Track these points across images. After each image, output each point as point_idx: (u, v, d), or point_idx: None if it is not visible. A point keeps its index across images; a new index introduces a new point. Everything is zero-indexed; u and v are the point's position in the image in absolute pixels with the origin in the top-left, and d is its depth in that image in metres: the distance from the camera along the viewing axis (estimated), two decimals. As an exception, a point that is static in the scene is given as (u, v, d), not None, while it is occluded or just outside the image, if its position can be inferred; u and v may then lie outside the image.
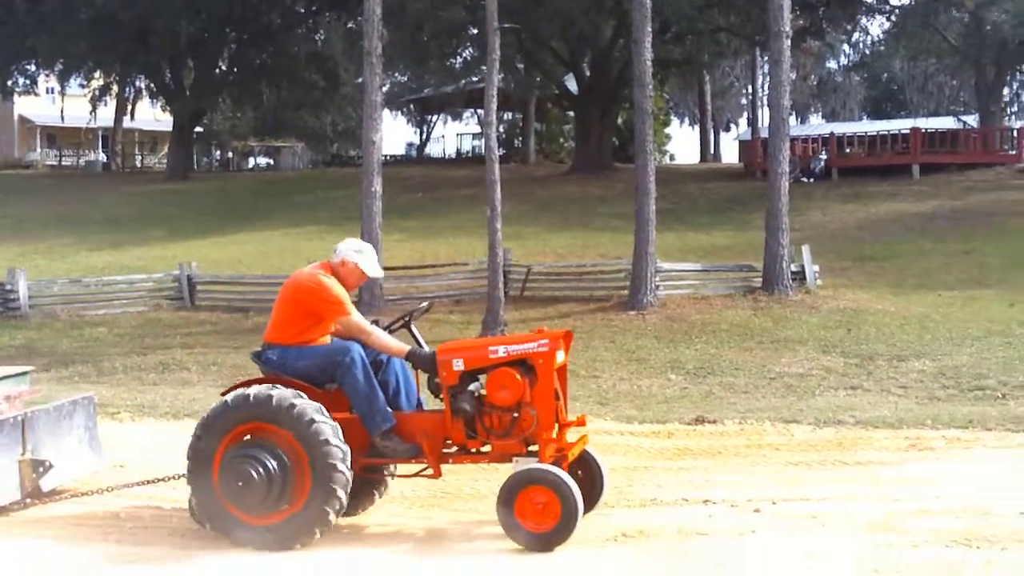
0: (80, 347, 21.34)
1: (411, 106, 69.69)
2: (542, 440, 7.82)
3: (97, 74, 56.36)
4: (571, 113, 53.83)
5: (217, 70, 55.02)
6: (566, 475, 7.60)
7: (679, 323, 20.90)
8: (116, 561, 7.68)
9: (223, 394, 8.12)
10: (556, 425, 7.94)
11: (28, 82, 57.00)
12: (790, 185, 23.94)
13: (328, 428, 7.72)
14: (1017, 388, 14.72)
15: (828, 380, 16.22)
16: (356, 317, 8.19)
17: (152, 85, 57.31)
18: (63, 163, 68.26)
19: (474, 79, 50.25)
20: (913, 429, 12.03)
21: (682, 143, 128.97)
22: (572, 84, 48.84)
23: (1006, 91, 65.65)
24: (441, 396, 8.10)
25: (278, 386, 7.90)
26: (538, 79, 49.20)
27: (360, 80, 30.15)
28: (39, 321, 23.58)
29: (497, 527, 7.80)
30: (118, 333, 22.55)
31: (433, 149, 68.27)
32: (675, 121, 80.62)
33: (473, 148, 62.73)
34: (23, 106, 66.05)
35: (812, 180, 40.28)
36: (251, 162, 75.60)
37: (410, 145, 73.55)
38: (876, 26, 78.39)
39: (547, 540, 7.53)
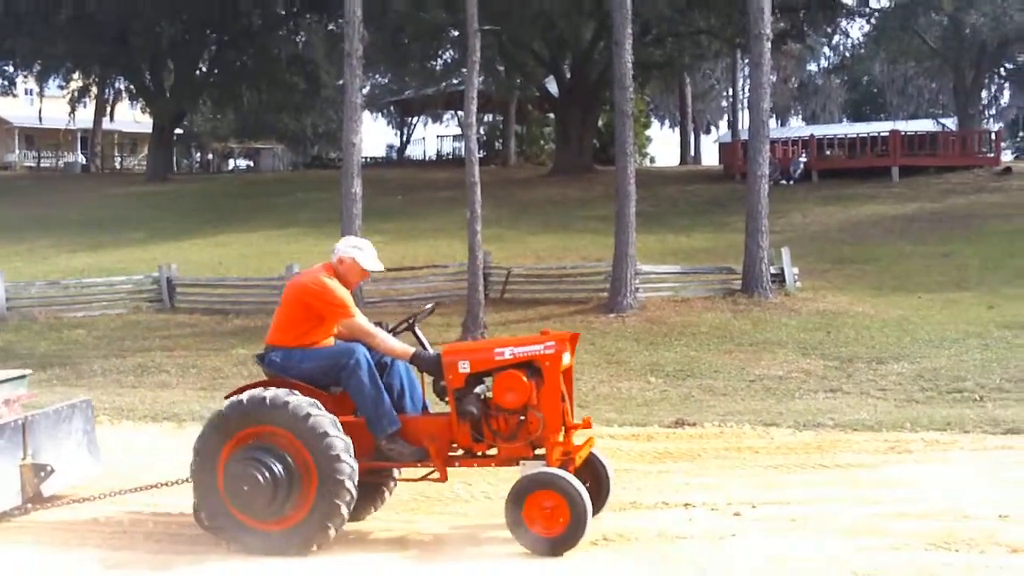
0: (58, 350, 21.26)
1: (391, 108, 69.62)
2: (549, 443, 7.79)
3: (76, 75, 56.19)
4: (552, 115, 53.80)
5: (197, 72, 54.90)
6: (574, 479, 7.56)
7: (659, 325, 20.91)
8: (117, 567, 7.63)
9: (227, 397, 8.07)
10: (563, 428, 7.91)
11: (6, 83, 56.87)
12: (770, 187, 23.97)
13: (326, 421, 7.66)
14: (994, 390, 14.81)
15: (808, 383, 16.26)
16: (360, 319, 8.15)
17: (132, 86, 57.15)
18: (42, 165, 67.98)
19: (454, 81, 50.27)
20: (892, 432, 12.09)
21: (663, 145, 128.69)
22: (553, 86, 48.87)
23: (984, 94, 65.85)
24: (447, 399, 8.05)
25: (281, 389, 7.84)
26: (519, 81, 49.22)
27: (340, 82, 30.10)
28: (16, 323, 23.48)
29: (494, 531, 7.82)
30: (97, 335, 22.45)
31: (413, 151, 68.28)
32: (656, 123, 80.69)
33: (453, 150, 62.68)
34: (1, 107, 65.66)
35: (792, 182, 40.35)
36: (231, 164, 75.42)
37: (390, 147, 73.60)
38: (856, 29, 78.54)
39: (556, 544, 7.48)
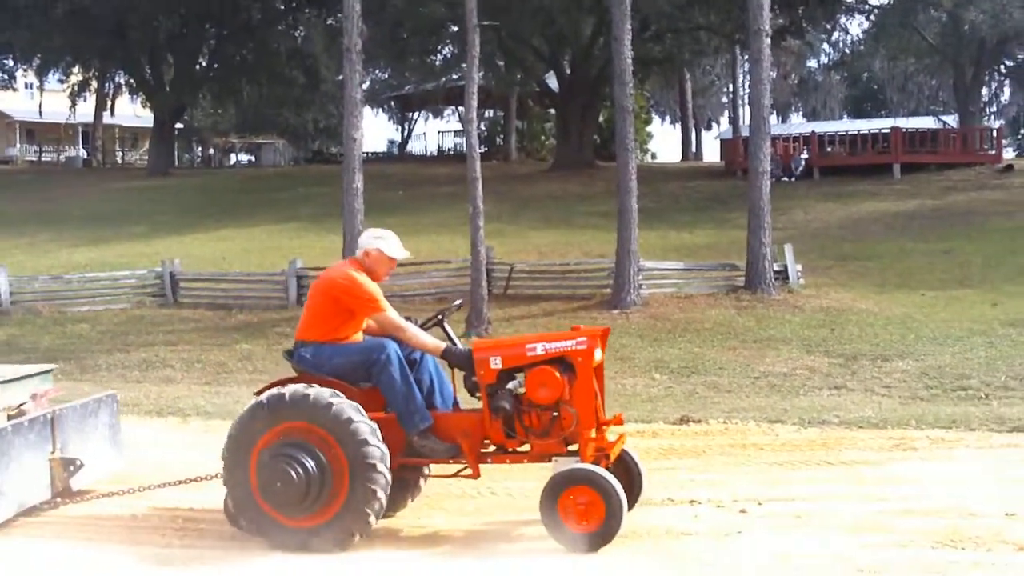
0: (62, 344, 21.28)
1: (392, 103, 69.63)
2: (583, 439, 7.76)
3: (76, 69, 56.10)
4: (552, 111, 53.79)
5: (197, 66, 54.77)
6: (609, 475, 7.56)
7: (662, 322, 20.92)
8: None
9: (257, 393, 8.04)
10: (596, 424, 7.90)
11: (6, 77, 56.75)
12: (771, 184, 23.98)
13: (366, 428, 7.65)
14: (999, 388, 14.80)
15: (812, 380, 16.27)
16: (391, 313, 8.10)
17: (131, 80, 57.06)
18: (43, 159, 67.89)
19: (455, 76, 50.31)
20: (897, 429, 12.09)
21: (663, 141, 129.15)
22: (553, 82, 48.84)
23: (984, 91, 65.92)
24: (478, 395, 8.02)
25: (314, 385, 7.82)
26: (519, 77, 49.21)
27: (340, 77, 30.11)
28: (20, 317, 23.51)
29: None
30: (100, 330, 22.47)
31: (415, 146, 68.30)
32: (656, 119, 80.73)
33: (455, 146, 62.65)
34: (1, 101, 65.62)
35: (793, 179, 40.36)
36: (232, 159, 75.39)
37: (391, 142, 73.58)
38: (856, 25, 78.82)
39: (592, 540, 7.47)
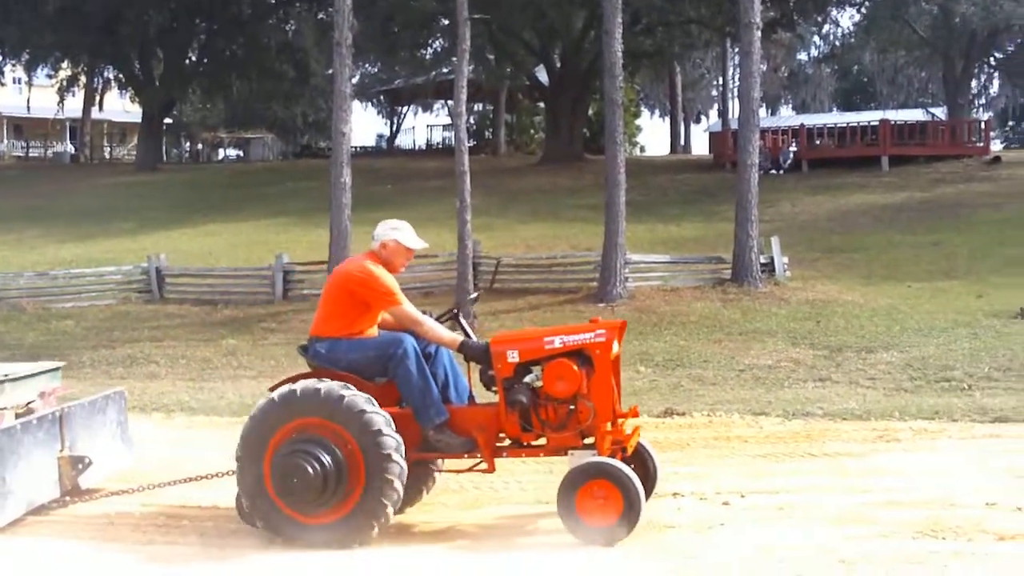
0: (47, 340, 21.21)
1: (381, 97, 69.50)
2: (600, 432, 7.72)
3: (65, 64, 55.96)
4: (542, 104, 53.79)
5: (187, 61, 54.71)
6: (627, 468, 7.53)
7: (648, 315, 20.91)
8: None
9: (271, 390, 7.97)
10: (613, 416, 7.87)
11: (-6, 72, 56.57)
12: (760, 177, 24.00)
13: (380, 418, 7.61)
14: (982, 379, 14.82)
15: (797, 372, 16.25)
16: (407, 307, 8.05)
17: (121, 76, 56.91)
18: (30, 154, 67.72)
19: (444, 70, 50.22)
20: (881, 421, 12.12)
21: (653, 134, 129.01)
22: (543, 75, 48.79)
23: (974, 83, 65.93)
24: (494, 388, 7.97)
25: (326, 380, 7.78)
26: (509, 70, 49.20)
27: (330, 71, 30.07)
28: (5, 314, 23.48)
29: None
30: (85, 326, 22.42)
31: (403, 140, 68.22)
32: (646, 112, 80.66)
33: (444, 139, 62.60)
34: (-11, 96, 65.51)
35: (782, 172, 40.41)
36: (221, 153, 75.25)
37: (380, 136, 73.51)
38: (846, 18, 78.65)
39: (610, 533, 7.43)
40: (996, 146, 55.27)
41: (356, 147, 50.36)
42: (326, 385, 7.70)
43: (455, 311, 8.44)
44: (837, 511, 8.19)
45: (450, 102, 42.30)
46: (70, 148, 67.57)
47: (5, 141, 68.88)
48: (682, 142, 66.42)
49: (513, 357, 7.82)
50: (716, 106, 77.41)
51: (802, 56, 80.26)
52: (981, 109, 74.30)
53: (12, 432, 8.43)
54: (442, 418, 7.88)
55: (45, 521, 8.65)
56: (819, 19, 53.73)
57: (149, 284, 24.83)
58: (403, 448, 7.65)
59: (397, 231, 8.22)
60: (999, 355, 16.15)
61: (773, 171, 39.25)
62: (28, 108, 60.70)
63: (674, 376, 16.33)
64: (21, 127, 69.63)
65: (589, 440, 7.80)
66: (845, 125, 46.88)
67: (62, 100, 57.62)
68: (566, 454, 7.78)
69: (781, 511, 8.28)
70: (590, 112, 50.74)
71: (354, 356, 7.96)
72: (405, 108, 68.90)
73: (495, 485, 9.31)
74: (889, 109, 61.56)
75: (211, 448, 11.39)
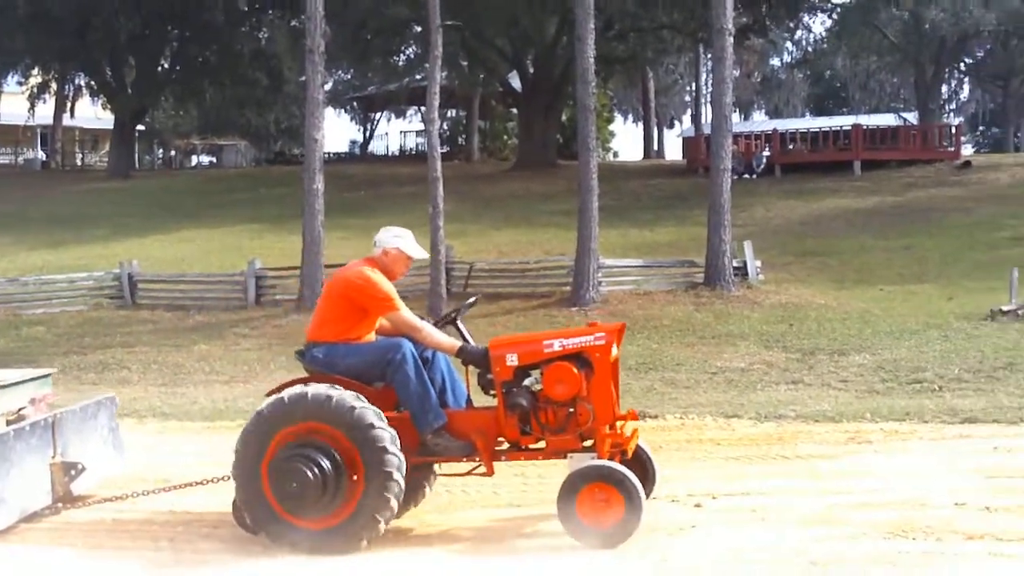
0: (17, 347, 21.04)
1: (355, 104, 69.44)
2: (600, 435, 7.73)
3: (35, 71, 55.63)
4: (515, 110, 53.82)
5: (159, 67, 54.44)
6: (627, 471, 7.53)
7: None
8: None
9: (268, 395, 7.96)
10: (612, 419, 7.87)
11: (-36, 79, 56.16)
12: (733, 181, 24.07)
13: (387, 435, 7.58)
14: (953, 380, 14.89)
15: (769, 375, 16.29)
16: (405, 312, 8.05)
17: (92, 82, 56.60)
18: (0, 161, 67.24)
19: (417, 76, 50.25)
20: (852, 422, 12.15)
21: (626, 140, 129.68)
22: (516, 81, 48.85)
23: (944, 88, 66.46)
24: (492, 392, 7.97)
25: (335, 387, 7.73)
26: (482, 76, 49.26)
27: (303, 78, 30.03)
28: (-24, 320, 23.28)
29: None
30: (57, 333, 22.25)
31: (377, 146, 68.03)
32: (619, 118, 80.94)
33: (417, 145, 62.41)
34: (-43, 103, 64.96)
35: (755, 176, 40.50)
36: (194, 160, 74.96)
37: (354, 143, 73.35)
38: (819, 24, 79.21)
39: (610, 537, 7.42)
40: (967, 150, 55.68)
41: (329, 153, 50.23)
42: (336, 393, 7.67)
43: (453, 316, 8.43)
44: (809, 513, 8.22)
45: (423, 108, 42.28)
46: (41, 155, 67.08)
47: (-26, 148, 68.36)
48: (655, 147, 66.54)
49: (512, 361, 7.83)
50: (689, 111, 77.77)
51: (775, 61, 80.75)
52: (952, 114, 74.95)
53: (5, 439, 8.38)
54: (440, 422, 7.88)
55: (37, 528, 8.61)
56: (791, 25, 54.02)
57: (121, 290, 24.68)
58: (404, 467, 7.62)
59: (400, 239, 8.26)
60: (969, 357, 16.23)
61: (746, 176, 39.33)
62: (-2, 115, 60.28)
63: (647, 379, 16.34)
64: (-10, 134, 69.11)
65: (588, 443, 7.81)
66: (818, 130, 47.01)
67: (33, 107, 57.24)
68: (565, 457, 7.78)
69: (753, 513, 8.30)
70: (563, 118, 50.78)
71: (352, 361, 7.95)
72: (378, 114, 68.83)
73: (482, 488, 9.32)
74: (861, 114, 61.90)
75: (185, 454, 11.40)
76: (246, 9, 53.22)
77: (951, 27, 48.98)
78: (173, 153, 74.97)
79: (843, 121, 52.35)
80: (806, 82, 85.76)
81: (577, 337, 7.88)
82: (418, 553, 7.71)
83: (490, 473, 8.02)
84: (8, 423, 9.02)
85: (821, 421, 12.36)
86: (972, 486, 8.83)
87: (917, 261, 26.23)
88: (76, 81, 58.99)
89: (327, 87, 47.79)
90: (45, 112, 61.29)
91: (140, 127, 60.97)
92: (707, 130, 37.64)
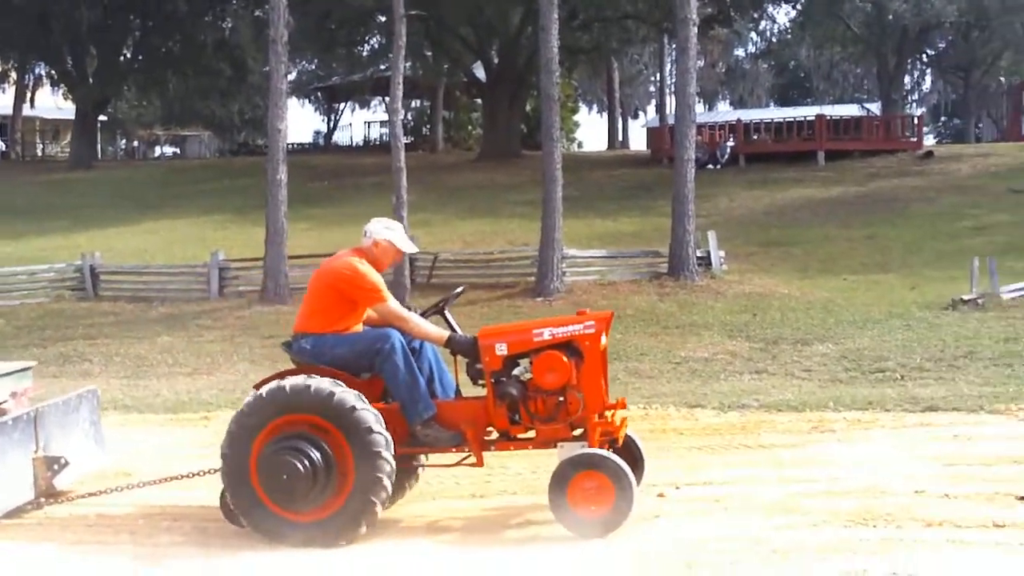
0: (-24, 339, 20.90)
1: (319, 94, 69.25)
2: (590, 424, 7.69)
3: (-6, 60, 55.25)
4: (479, 101, 53.80)
5: (121, 57, 54.08)
6: (618, 459, 7.51)
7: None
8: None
9: (256, 387, 7.87)
10: (602, 408, 7.85)
11: (-78, 69, 55.69)
12: (697, 171, 24.11)
13: (370, 416, 7.52)
14: (914, 369, 15.01)
15: (733, 364, 16.36)
16: (393, 303, 7.99)
17: (53, 72, 56.19)
18: (-42, 153, 66.69)
19: (382, 67, 50.08)
20: (815, 412, 12.17)
21: (590, 130, 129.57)
22: (480, 72, 48.80)
23: (907, 79, 66.86)
24: (481, 382, 7.93)
25: (315, 376, 7.66)
26: (446, 67, 49.21)
27: (267, 68, 29.91)
28: (-66, 314, 23.06)
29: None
30: (17, 325, 22.07)
31: (341, 137, 67.86)
32: (583, 108, 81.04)
33: (381, 136, 62.39)
34: (-84, 94, 64.32)
35: (719, 167, 40.60)
36: (157, 151, 74.58)
37: (317, 133, 73.22)
38: (783, 14, 79.32)
39: (602, 525, 7.41)
40: (929, 141, 56.02)
41: (293, 144, 50.13)
42: (316, 381, 7.61)
43: (441, 306, 8.37)
44: (771, 502, 8.24)
45: (387, 99, 42.18)
46: (0, 145, 66.57)
47: (-67, 139, 67.68)
48: (620, 137, 66.67)
49: (501, 350, 7.79)
50: (653, 101, 78.06)
51: (739, 52, 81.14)
52: (914, 104, 75.42)
53: None
54: (430, 413, 7.83)
55: (19, 525, 8.52)
56: (755, 15, 54.19)
57: (83, 282, 24.52)
58: (392, 446, 7.59)
59: (391, 232, 8.21)
60: (931, 346, 16.37)
61: (710, 166, 39.44)
62: (-44, 105, 59.80)
63: (611, 369, 16.17)
64: (-51, 125, 68.46)
65: (579, 432, 7.79)
66: (782, 120, 47.25)
67: (-9, 97, 56.90)
68: (555, 446, 7.75)
69: (717, 503, 8.32)
70: (527, 108, 50.83)
71: (340, 352, 7.89)
72: (342, 105, 68.65)
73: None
74: (825, 104, 62.33)
75: (147, 444, 11.32)
76: (209, -1, 53.02)
77: (913, 18, 49.24)
78: (136, 144, 74.58)
79: (807, 112, 52.59)
80: (770, 72, 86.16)
81: (567, 326, 7.86)
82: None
83: (480, 463, 8.00)
84: None
85: (784, 410, 12.38)
86: (932, 473, 8.87)
87: (880, 251, 26.38)
88: (36, 70, 58.63)
89: (291, 77, 47.67)
90: (4, 102, 60.90)
91: (102, 117, 60.57)
92: (671, 120, 37.72)
